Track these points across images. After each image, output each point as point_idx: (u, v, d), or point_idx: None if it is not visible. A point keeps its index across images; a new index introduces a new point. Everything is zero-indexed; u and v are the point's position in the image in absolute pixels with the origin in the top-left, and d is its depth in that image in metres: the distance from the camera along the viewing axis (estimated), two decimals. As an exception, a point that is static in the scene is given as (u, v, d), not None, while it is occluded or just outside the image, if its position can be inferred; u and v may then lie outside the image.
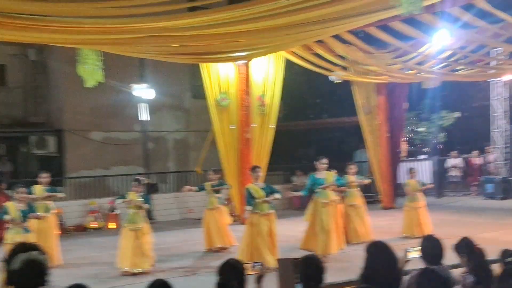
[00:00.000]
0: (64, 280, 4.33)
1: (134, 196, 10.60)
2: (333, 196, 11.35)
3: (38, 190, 11.52)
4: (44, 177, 11.85)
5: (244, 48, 11.94)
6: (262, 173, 10.96)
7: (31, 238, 9.60)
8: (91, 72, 12.41)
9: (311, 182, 11.39)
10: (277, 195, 10.48)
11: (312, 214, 11.16)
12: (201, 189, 12.98)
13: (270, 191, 10.43)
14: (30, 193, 11.10)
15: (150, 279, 4.25)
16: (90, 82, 12.53)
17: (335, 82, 17.72)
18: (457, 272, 5.30)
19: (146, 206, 10.66)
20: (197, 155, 21.25)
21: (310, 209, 11.30)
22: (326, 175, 11.35)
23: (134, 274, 10.10)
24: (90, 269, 10.92)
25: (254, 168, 10.83)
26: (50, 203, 11.65)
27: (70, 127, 21.49)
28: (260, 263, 4.41)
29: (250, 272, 4.39)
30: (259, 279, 4.42)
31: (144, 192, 11.11)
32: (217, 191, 12.74)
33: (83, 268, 11.05)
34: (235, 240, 12.23)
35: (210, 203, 12.63)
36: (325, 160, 11.46)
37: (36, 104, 22.89)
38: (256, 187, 10.40)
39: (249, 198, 10.33)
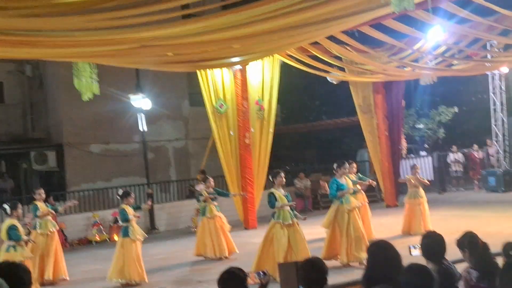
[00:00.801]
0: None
1: (130, 209, 10.68)
2: (355, 201, 10.95)
3: (42, 206, 11.44)
4: (41, 193, 11.67)
5: (238, 53, 11.94)
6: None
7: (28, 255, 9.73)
8: (87, 85, 12.43)
9: (335, 186, 10.77)
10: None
11: (333, 221, 10.64)
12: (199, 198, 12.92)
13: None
14: (35, 209, 11.16)
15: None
16: (86, 95, 12.55)
17: (333, 83, 17.72)
18: (461, 268, 5.28)
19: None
20: (197, 163, 21.25)
21: (330, 215, 10.77)
22: (346, 180, 10.92)
23: (133, 285, 10.23)
24: (96, 282, 10.89)
25: (276, 173, 10.25)
26: (52, 219, 11.61)
27: (69, 141, 21.48)
28: (264, 272, 4.33)
29: (254, 281, 4.31)
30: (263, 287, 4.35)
31: (135, 203, 11.13)
32: (214, 199, 12.61)
33: (88, 282, 11.03)
34: (236, 248, 12.21)
35: (209, 211, 12.51)
36: (347, 165, 11.01)
37: (35, 120, 22.92)
38: (280, 193, 9.98)
39: (273, 202, 9.94)
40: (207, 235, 12.21)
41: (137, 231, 10.57)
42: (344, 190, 10.56)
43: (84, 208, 18.62)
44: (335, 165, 10.89)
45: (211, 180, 12.91)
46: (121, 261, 10.36)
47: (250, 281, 4.21)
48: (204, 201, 12.52)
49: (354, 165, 13.12)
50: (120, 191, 11.38)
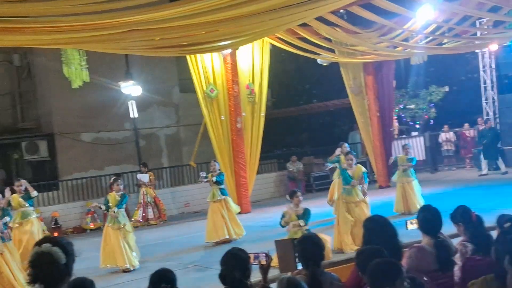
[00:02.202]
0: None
1: (114, 196, 10.65)
2: (360, 194, 10.41)
3: (15, 199, 11.31)
4: (18, 185, 11.51)
5: (228, 36, 11.84)
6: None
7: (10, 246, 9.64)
8: (76, 72, 12.42)
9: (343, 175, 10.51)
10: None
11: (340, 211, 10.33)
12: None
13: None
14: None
15: (145, 274, 4.23)
16: (76, 83, 12.55)
17: (323, 65, 17.70)
18: (456, 241, 5.30)
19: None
20: (190, 149, 21.21)
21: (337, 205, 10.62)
22: (354, 170, 10.49)
23: (127, 270, 10.23)
24: (90, 269, 10.84)
25: (293, 193, 9.58)
26: (29, 209, 11.51)
27: (60, 130, 21.35)
28: (264, 253, 4.33)
29: (256, 263, 4.31)
30: (265, 270, 4.34)
31: (123, 191, 11.08)
32: (219, 183, 12.46)
33: (82, 270, 10.97)
34: (244, 230, 12.21)
35: (212, 196, 12.40)
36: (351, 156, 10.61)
37: (25, 110, 22.73)
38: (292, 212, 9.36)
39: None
40: (217, 219, 12.06)
41: (119, 219, 10.53)
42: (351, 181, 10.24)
43: (77, 197, 18.60)
44: None
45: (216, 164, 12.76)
46: (105, 248, 10.47)
47: (251, 261, 4.23)
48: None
49: (345, 145, 13.13)
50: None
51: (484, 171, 19.26)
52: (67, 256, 3.16)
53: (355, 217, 9.92)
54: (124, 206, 10.90)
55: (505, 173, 18.85)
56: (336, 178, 13.30)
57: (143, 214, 16.61)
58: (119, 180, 11.07)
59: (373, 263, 3.49)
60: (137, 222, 16.13)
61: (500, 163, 19.36)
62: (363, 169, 10.66)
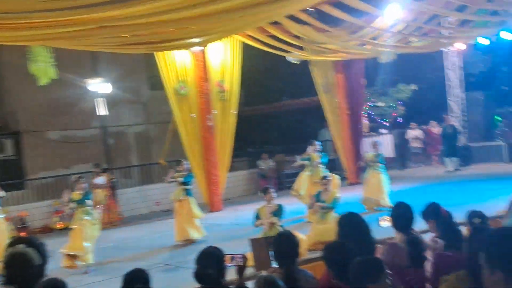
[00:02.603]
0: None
1: (77, 195, 10.59)
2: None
3: None
4: None
5: (198, 34, 11.80)
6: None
7: None
8: (43, 69, 12.15)
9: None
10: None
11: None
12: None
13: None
14: None
15: (118, 273, 4.19)
16: (43, 80, 12.28)
17: (293, 62, 17.73)
18: (427, 238, 5.36)
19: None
20: (159, 147, 21.05)
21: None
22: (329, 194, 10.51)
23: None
24: (60, 269, 10.68)
25: (266, 189, 9.86)
26: None
27: (26, 128, 21.01)
28: (241, 255, 4.31)
29: (231, 263, 4.29)
30: (240, 271, 4.32)
31: (87, 189, 10.96)
32: (186, 184, 12.33)
33: (53, 269, 10.81)
34: (204, 231, 12.08)
35: (176, 195, 12.27)
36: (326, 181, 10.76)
37: (-10, 108, 22.30)
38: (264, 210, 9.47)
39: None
40: (182, 219, 11.95)
41: (76, 218, 10.48)
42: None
43: (44, 196, 18.32)
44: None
45: (185, 163, 12.62)
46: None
47: (227, 262, 4.21)
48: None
49: (316, 143, 13.21)
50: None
51: (449, 167, 19.57)
52: (41, 257, 3.10)
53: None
54: (88, 202, 10.73)
55: (454, 171, 19.16)
56: (305, 172, 13.37)
57: None
58: (82, 179, 10.95)
59: (355, 261, 3.50)
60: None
61: (450, 161, 19.66)
62: (337, 194, 10.53)
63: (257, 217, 9.30)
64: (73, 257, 10.27)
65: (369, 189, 13.32)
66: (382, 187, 13.17)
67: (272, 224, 8.98)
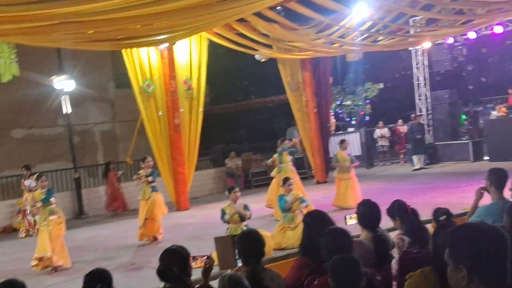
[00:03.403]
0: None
1: (39, 194, 10.37)
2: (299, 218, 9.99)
3: None
4: None
5: (164, 31, 11.66)
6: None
7: None
8: (5, 66, 11.91)
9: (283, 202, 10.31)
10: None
11: None
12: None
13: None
14: None
15: (80, 274, 4.08)
16: (5, 77, 12.04)
17: (261, 61, 17.70)
18: (393, 235, 5.36)
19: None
20: (125, 146, 20.82)
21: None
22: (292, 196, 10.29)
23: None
24: (21, 269, 10.46)
25: (231, 189, 9.71)
26: None
27: (-11, 126, 20.57)
28: (206, 256, 4.24)
29: (197, 265, 4.22)
30: (206, 272, 4.26)
31: (49, 187, 10.74)
32: (151, 181, 12.16)
33: (14, 270, 10.58)
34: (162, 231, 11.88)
35: (143, 193, 12.02)
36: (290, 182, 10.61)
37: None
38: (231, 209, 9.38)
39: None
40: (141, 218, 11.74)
41: (46, 215, 10.27)
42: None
43: (7, 196, 17.94)
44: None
45: (150, 160, 12.43)
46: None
47: (192, 264, 4.14)
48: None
49: (286, 141, 13.21)
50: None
51: (417, 166, 19.77)
52: None
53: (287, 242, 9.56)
54: (50, 201, 10.51)
55: (419, 169, 19.42)
56: (275, 174, 13.28)
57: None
58: (43, 177, 10.72)
59: (332, 260, 3.46)
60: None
61: (418, 159, 19.89)
62: (300, 194, 10.42)
63: (224, 213, 9.23)
64: (42, 259, 10.07)
65: (341, 189, 13.26)
66: (357, 191, 13.14)
67: (238, 223, 8.95)
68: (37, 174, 11.06)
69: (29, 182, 14.96)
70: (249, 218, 9.26)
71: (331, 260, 3.51)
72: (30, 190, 14.75)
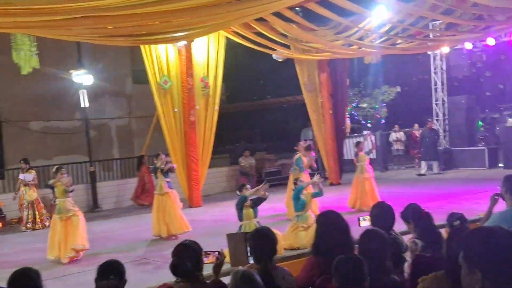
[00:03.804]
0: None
1: (60, 187, 10.44)
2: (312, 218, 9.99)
3: None
4: None
5: (183, 28, 11.71)
6: None
7: None
8: (26, 58, 12.04)
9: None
10: None
11: None
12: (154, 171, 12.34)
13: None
14: None
15: (94, 266, 4.12)
16: (26, 69, 12.18)
17: (278, 60, 17.71)
18: (406, 239, 5.34)
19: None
20: (141, 141, 20.92)
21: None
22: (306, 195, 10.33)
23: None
24: (35, 261, 10.56)
25: (241, 186, 9.62)
26: None
27: (7, 118, 20.75)
28: (217, 252, 4.26)
29: (209, 261, 4.24)
30: (217, 267, 4.27)
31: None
32: (166, 175, 12.26)
33: (26, 260, 10.69)
34: (189, 225, 11.93)
35: (160, 188, 12.14)
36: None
37: (-30, 96, 21.99)
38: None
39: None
40: (162, 213, 11.76)
41: (66, 207, 10.32)
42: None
43: (23, 187, 18.07)
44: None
45: (163, 157, 12.40)
46: (52, 238, 10.28)
47: (205, 259, 4.16)
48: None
49: (301, 143, 13.22)
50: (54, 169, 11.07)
51: (423, 171, 19.71)
52: None
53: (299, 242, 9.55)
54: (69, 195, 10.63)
55: (423, 174, 19.37)
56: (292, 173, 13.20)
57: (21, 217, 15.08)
58: (63, 169, 10.78)
59: (337, 260, 3.47)
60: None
61: (435, 164, 19.84)
62: (310, 192, 10.38)
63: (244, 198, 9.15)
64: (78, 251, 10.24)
65: (358, 194, 13.23)
66: (374, 193, 13.11)
67: (250, 220, 8.97)
68: (56, 167, 11.10)
69: (23, 176, 14.96)
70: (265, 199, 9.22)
71: (336, 260, 3.52)
72: (26, 184, 14.89)
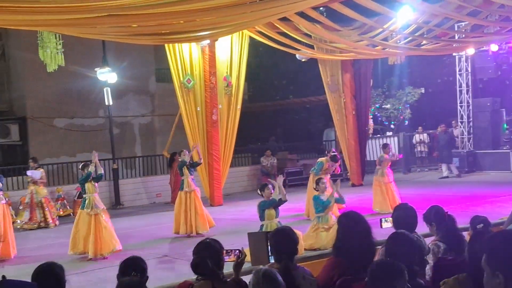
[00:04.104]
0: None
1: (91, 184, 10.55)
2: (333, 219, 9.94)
3: None
4: None
5: (207, 27, 11.76)
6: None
7: None
8: (52, 56, 12.21)
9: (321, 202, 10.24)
10: None
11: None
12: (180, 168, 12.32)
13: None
14: None
15: (116, 262, 4.16)
16: (51, 66, 12.35)
17: (302, 60, 17.69)
18: (428, 241, 5.30)
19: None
20: (163, 139, 21.06)
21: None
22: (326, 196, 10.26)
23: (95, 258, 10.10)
24: (57, 256, 10.69)
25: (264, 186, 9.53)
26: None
27: (33, 115, 21.04)
28: (238, 250, 4.26)
29: (229, 259, 4.25)
30: (237, 266, 4.26)
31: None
32: (191, 172, 12.22)
33: (49, 256, 10.81)
34: (213, 221, 12.00)
35: (187, 185, 12.08)
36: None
37: (-3, 92, 22.34)
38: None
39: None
40: (185, 211, 11.78)
41: (95, 203, 10.40)
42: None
43: (47, 183, 18.30)
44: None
45: (187, 152, 12.45)
46: (75, 234, 10.30)
47: (225, 258, 4.17)
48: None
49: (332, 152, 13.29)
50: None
51: (445, 173, 19.56)
52: None
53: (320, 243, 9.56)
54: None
55: (446, 177, 19.30)
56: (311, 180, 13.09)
57: (31, 216, 14.55)
58: (90, 165, 10.86)
59: (374, 264, 3.44)
60: (23, 224, 14.49)
61: (452, 167, 19.68)
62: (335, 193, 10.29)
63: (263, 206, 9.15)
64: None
65: (379, 197, 13.14)
66: (396, 196, 13.01)
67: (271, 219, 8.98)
68: (83, 163, 11.20)
69: (31, 173, 14.75)
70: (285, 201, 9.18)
71: (373, 264, 3.49)
72: (35, 182, 14.72)
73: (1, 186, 11.10)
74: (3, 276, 2.91)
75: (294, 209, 13.32)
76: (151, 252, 10.28)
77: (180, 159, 12.46)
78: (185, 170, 12.12)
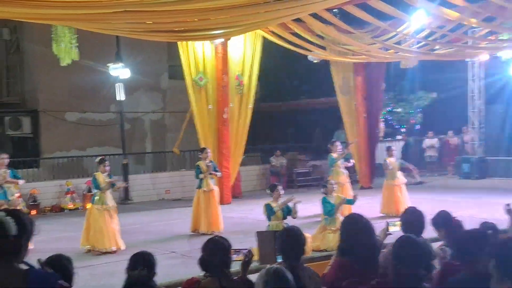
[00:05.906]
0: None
1: (102, 176, 10.55)
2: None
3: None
4: (3, 158, 11.11)
5: (221, 26, 11.78)
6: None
7: None
8: (66, 50, 12.29)
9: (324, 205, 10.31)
10: None
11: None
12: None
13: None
14: None
15: (123, 257, 4.19)
16: (65, 61, 12.43)
17: (314, 62, 17.68)
18: (436, 246, 5.31)
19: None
20: (174, 136, 21.13)
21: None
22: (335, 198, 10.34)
23: (102, 253, 10.16)
24: (66, 249, 10.75)
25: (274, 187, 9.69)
26: (13, 187, 11.14)
27: (45, 108, 21.17)
28: (246, 249, 4.28)
29: (237, 258, 4.27)
30: (245, 265, 4.29)
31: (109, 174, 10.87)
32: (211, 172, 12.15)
33: (58, 249, 10.87)
34: (222, 225, 11.97)
35: (206, 185, 12.07)
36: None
37: (11, 84, 22.51)
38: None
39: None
40: (202, 210, 11.81)
41: (106, 199, 10.44)
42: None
43: (57, 176, 18.43)
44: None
45: (209, 151, 12.48)
46: (87, 228, 10.37)
47: (234, 256, 4.19)
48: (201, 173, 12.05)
49: (337, 143, 13.28)
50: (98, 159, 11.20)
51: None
52: (21, 229, 3.00)
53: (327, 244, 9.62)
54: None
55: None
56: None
57: None
58: (106, 161, 10.90)
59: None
60: None
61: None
62: (342, 196, 10.51)
63: (270, 208, 9.21)
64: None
65: (390, 201, 13.13)
66: (405, 199, 13.00)
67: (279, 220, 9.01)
68: (100, 158, 11.22)
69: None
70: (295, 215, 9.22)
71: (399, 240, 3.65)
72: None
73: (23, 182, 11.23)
74: (39, 260, 2.98)
75: (302, 210, 13.27)
76: (159, 247, 10.30)
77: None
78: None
